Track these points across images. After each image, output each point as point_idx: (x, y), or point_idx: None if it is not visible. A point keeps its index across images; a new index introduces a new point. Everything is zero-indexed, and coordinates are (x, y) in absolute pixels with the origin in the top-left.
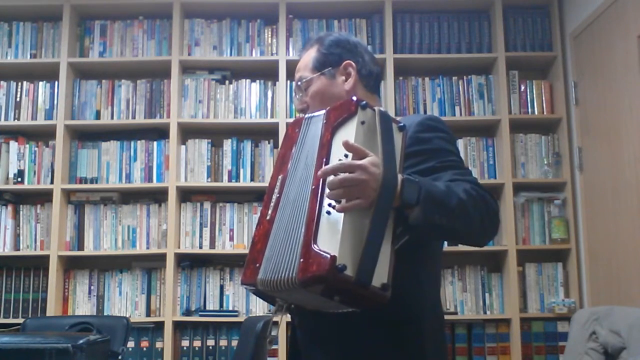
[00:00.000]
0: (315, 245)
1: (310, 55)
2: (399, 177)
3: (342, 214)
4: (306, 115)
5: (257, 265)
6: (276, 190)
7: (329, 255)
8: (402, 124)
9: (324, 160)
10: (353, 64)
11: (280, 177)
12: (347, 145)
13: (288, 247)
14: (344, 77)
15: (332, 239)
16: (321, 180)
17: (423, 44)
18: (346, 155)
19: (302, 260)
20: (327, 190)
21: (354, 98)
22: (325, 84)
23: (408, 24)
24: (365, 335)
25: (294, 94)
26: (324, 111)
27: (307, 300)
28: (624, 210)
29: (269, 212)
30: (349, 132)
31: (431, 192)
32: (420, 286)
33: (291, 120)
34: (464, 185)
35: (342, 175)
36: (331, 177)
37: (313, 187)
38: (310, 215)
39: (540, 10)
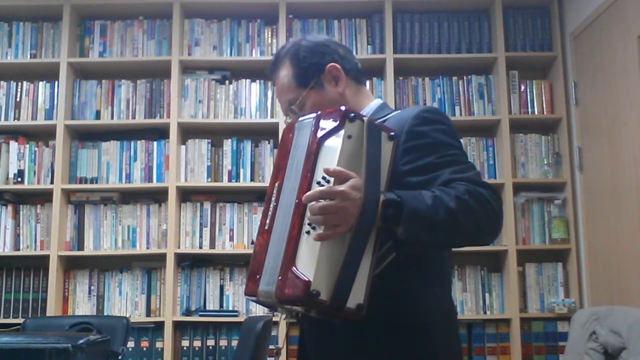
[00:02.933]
0: (293, 266)
1: (287, 74)
2: (381, 197)
3: None
4: (299, 119)
5: (258, 277)
6: (273, 199)
7: (304, 279)
8: (392, 133)
9: (309, 174)
10: (337, 65)
11: (276, 184)
12: (328, 172)
13: (276, 261)
14: (333, 82)
15: (309, 260)
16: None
17: (423, 44)
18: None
19: (280, 278)
20: (308, 213)
21: (343, 108)
22: (318, 95)
23: (408, 24)
24: (374, 340)
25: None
26: (314, 115)
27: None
28: (624, 210)
29: (267, 221)
30: (334, 146)
31: (415, 209)
32: (429, 288)
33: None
34: (458, 189)
35: (322, 202)
36: (313, 203)
37: (297, 201)
38: (291, 233)
39: (540, 10)
